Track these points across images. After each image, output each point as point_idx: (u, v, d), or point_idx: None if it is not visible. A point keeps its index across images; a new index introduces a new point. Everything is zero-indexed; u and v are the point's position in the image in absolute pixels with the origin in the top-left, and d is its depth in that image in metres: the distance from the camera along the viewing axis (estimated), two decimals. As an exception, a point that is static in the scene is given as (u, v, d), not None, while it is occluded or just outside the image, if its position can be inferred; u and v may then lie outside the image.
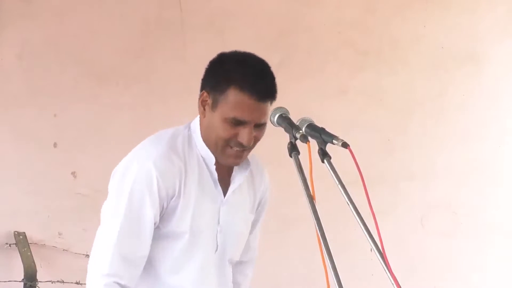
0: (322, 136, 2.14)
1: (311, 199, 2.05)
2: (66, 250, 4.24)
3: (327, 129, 2.18)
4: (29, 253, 4.09)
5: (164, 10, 4.61)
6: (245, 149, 2.38)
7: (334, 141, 2.12)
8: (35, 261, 4.08)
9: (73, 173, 4.35)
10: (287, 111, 2.29)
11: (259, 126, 2.37)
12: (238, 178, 2.48)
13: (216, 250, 2.45)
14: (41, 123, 4.31)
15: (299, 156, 2.15)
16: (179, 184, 2.37)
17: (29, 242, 4.15)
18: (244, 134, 2.34)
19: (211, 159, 2.42)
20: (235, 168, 2.47)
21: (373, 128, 5.10)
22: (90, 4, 4.45)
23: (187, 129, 2.47)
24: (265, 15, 4.87)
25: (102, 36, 4.47)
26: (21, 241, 4.13)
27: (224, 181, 2.47)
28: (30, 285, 4.02)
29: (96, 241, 2.43)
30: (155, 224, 2.37)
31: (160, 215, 2.37)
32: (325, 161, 2.11)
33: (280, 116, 2.27)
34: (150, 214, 2.34)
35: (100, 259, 2.38)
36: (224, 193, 2.47)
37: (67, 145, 4.35)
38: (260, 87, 2.35)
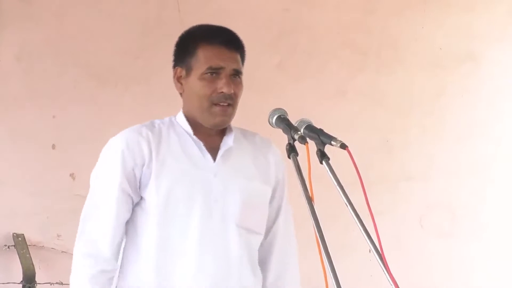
0: (321, 137, 2.14)
1: (309, 200, 2.05)
2: (65, 252, 4.23)
3: (326, 130, 2.18)
4: (27, 255, 4.09)
5: (163, 11, 4.61)
6: (228, 103, 2.44)
7: (332, 142, 2.12)
8: (33, 262, 4.08)
9: (71, 175, 4.34)
10: (285, 112, 2.30)
11: (235, 77, 2.46)
12: (225, 144, 2.50)
13: (211, 216, 2.43)
14: (40, 125, 4.30)
15: (298, 158, 2.15)
16: (148, 151, 2.43)
17: (27, 243, 4.15)
18: (222, 83, 2.43)
19: (189, 129, 2.49)
20: (224, 138, 2.51)
21: (372, 129, 5.11)
22: (89, 6, 4.45)
23: (172, 116, 2.57)
24: (264, 16, 4.87)
25: (101, 37, 4.47)
26: (19, 243, 4.13)
27: (214, 150, 2.50)
28: (29, 287, 4.02)
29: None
30: (130, 196, 2.43)
31: (136, 186, 2.43)
32: (323, 162, 2.11)
33: (279, 117, 2.28)
34: (116, 187, 2.42)
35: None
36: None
37: (66, 146, 4.34)
38: (225, 37, 2.50)
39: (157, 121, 2.55)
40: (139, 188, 2.44)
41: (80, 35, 4.43)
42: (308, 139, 2.14)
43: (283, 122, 2.25)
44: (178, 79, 2.51)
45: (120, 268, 2.49)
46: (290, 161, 2.15)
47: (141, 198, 2.45)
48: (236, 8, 4.78)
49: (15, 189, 4.22)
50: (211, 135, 2.51)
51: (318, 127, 2.21)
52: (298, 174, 2.09)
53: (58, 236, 4.29)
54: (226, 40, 2.48)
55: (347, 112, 5.05)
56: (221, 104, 2.43)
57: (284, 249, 2.62)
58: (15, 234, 4.18)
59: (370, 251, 2.03)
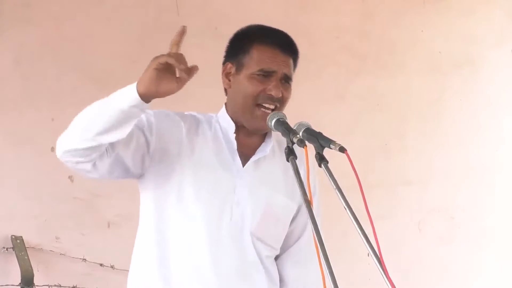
0: (320, 140, 2.14)
1: (308, 204, 2.05)
2: (63, 255, 4.23)
3: (325, 134, 2.18)
4: (26, 257, 4.08)
5: (162, 14, 4.61)
6: (275, 105, 2.40)
7: (331, 145, 2.11)
8: (32, 265, 4.07)
9: (70, 178, 4.34)
10: (285, 116, 2.30)
11: (286, 82, 2.44)
12: (262, 150, 2.47)
13: (231, 219, 2.39)
14: (38, 128, 4.30)
15: (297, 161, 2.15)
16: (181, 136, 2.39)
17: (26, 246, 4.14)
18: (272, 86, 2.39)
19: (231, 127, 2.44)
20: (262, 144, 2.48)
21: (370, 133, 5.11)
22: (88, 9, 4.45)
23: (214, 114, 2.53)
24: (263, 19, 4.82)
25: (99, 41, 4.47)
26: (18, 245, 4.13)
27: (249, 157, 2.45)
28: (27, 290, 4.02)
29: None
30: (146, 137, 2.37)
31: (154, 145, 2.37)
32: (322, 165, 2.11)
33: (278, 121, 2.28)
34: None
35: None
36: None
37: (65, 149, 4.33)
38: (283, 40, 2.47)
39: (196, 114, 2.52)
40: (155, 157, 2.38)
41: (79, 38, 4.43)
42: (307, 142, 2.14)
43: (282, 125, 2.25)
44: (226, 75, 2.48)
45: (131, 270, 2.46)
46: (289, 164, 2.15)
47: (160, 189, 2.39)
48: (235, 12, 4.79)
49: (14, 192, 4.22)
50: (251, 136, 2.48)
51: (317, 130, 2.21)
52: (296, 177, 2.09)
53: (57, 238, 4.29)
54: (282, 43, 2.45)
55: (346, 116, 5.06)
56: (266, 106, 2.40)
57: (306, 271, 2.54)
58: (13, 237, 4.17)
59: (368, 255, 2.03)
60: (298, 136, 2.16)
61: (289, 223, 2.52)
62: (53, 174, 4.31)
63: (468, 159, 5.37)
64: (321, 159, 2.12)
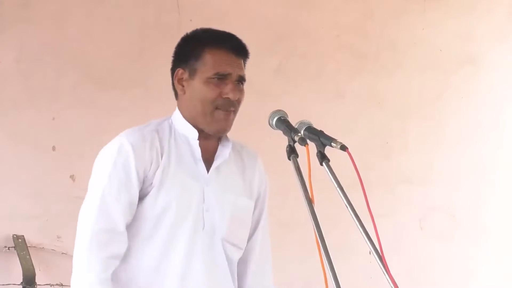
0: (321, 139, 2.15)
1: (309, 201, 2.05)
2: (65, 254, 4.23)
3: (325, 132, 2.18)
4: (28, 256, 4.09)
5: (162, 13, 4.61)
6: (231, 109, 2.42)
7: (332, 144, 2.12)
8: (33, 264, 4.08)
9: (71, 177, 4.34)
10: (286, 114, 2.30)
11: (240, 83, 2.44)
12: (221, 155, 2.48)
13: (203, 228, 2.42)
14: (39, 127, 4.31)
15: (298, 159, 2.15)
16: (156, 155, 2.39)
17: (27, 245, 4.15)
18: (228, 89, 2.40)
19: (193, 134, 2.45)
20: (219, 147, 2.49)
21: (371, 131, 5.11)
22: (88, 8, 4.45)
23: (167, 118, 2.53)
24: (263, 19, 4.87)
25: (100, 40, 4.47)
26: (19, 244, 4.13)
27: (208, 161, 2.47)
28: (29, 289, 4.02)
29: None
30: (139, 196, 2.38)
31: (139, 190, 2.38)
32: (323, 164, 2.11)
33: (279, 119, 2.28)
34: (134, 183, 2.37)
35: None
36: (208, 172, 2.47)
37: (66, 148, 4.34)
38: (233, 43, 2.47)
39: (154, 123, 2.51)
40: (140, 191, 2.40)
41: (79, 38, 4.43)
42: (308, 141, 2.15)
43: (284, 123, 2.25)
44: (179, 81, 2.48)
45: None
46: (291, 163, 2.15)
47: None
48: (235, 12, 4.79)
49: (15, 191, 4.22)
50: (209, 139, 2.48)
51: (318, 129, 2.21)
52: (298, 175, 2.10)
53: (58, 237, 4.29)
54: (235, 46, 2.46)
55: (346, 115, 5.06)
56: (224, 109, 2.41)
57: (261, 263, 2.62)
58: (15, 236, 4.18)
59: (370, 253, 2.04)
60: (299, 134, 2.17)
61: (250, 222, 2.57)
62: (54, 173, 4.32)
63: (469, 157, 5.37)
64: (323, 158, 2.12)
